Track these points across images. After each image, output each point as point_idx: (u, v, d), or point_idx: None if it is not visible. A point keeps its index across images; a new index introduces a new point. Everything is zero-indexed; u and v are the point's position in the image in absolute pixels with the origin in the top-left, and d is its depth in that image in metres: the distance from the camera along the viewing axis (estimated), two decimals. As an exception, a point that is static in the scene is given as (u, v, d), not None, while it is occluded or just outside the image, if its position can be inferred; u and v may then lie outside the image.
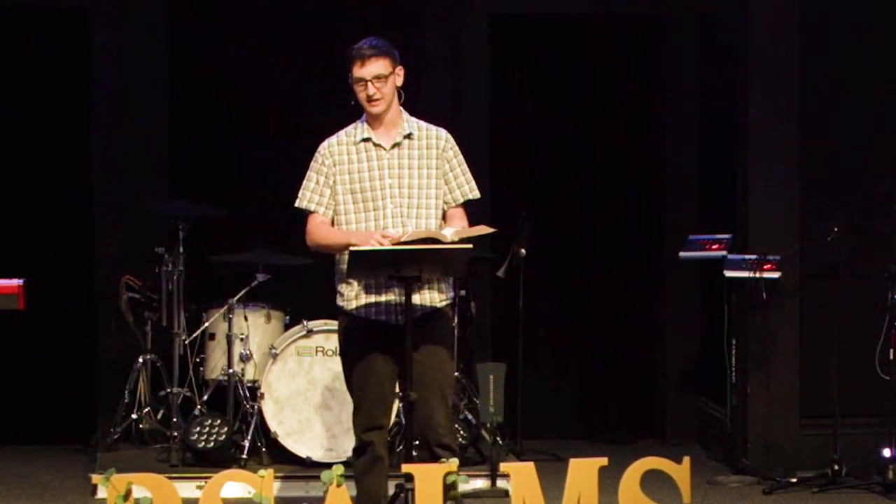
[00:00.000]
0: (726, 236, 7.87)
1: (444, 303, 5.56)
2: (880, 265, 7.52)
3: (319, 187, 5.57)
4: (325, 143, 5.62)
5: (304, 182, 5.61)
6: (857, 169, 7.90)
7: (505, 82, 8.77)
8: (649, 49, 8.92)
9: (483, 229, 5.49)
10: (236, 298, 7.55)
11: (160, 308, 7.78)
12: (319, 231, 5.56)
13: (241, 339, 7.58)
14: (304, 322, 7.47)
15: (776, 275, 7.62)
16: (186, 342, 7.76)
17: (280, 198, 8.52)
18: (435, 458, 5.33)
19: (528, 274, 7.75)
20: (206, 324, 7.75)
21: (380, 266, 5.39)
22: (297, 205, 5.61)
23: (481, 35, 8.69)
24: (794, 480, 7.44)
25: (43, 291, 6.52)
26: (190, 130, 8.58)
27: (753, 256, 7.64)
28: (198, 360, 7.80)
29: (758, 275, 7.58)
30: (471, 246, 5.33)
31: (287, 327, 7.74)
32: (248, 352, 7.59)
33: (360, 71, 5.46)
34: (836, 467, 7.41)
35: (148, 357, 7.92)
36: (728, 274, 7.71)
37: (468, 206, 5.63)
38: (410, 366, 5.35)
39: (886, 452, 7.38)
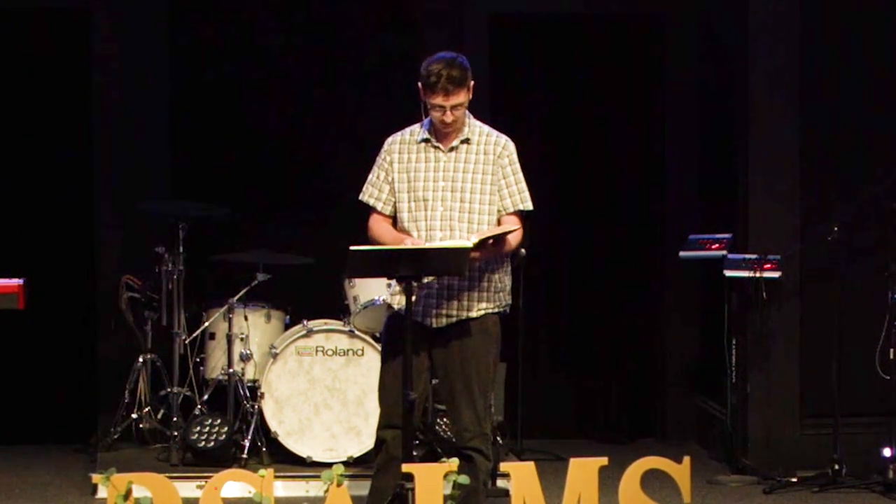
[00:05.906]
0: (726, 236, 7.87)
1: (480, 313, 5.56)
2: (880, 265, 7.52)
3: (379, 182, 5.61)
4: (389, 139, 5.64)
5: (369, 176, 5.64)
6: (857, 169, 7.90)
7: (504, 82, 8.75)
8: (649, 49, 8.91)
9: (500, 229, 5.50)
10: (236, 298, 7.54)
11: (160, 308, 7.77)
12: (375, 229, 5.61)
13: (241, 339, 7.57)
14: (304, 322, 7.47)
15: (776, 275, 7.62)
16: (186, 342, 7.76)
17: (280, 198, 8.59)
18: (467, 460, 5.41)
19: (527, 274, 7.73)
20: (206, 324, 7.75)
21: (378, 266, 5.38)
22: (359, 198, 5.65)
23: (481, 35, 8.68)
24: (794, 480, 7.44)
25: (43, 291, 6.51)
26: (190, 130, 8.57)
27: (753, 256, 7.64)
28: (198, 359, 7.80)
29: (758, 275, 7.58)
30: (469, 247, 5.32)
31: (287, 327, 7.74)
32: (248, 351, 7.59)
33: (440, 101, 5.40)
34: (836, 467, 7.41)
35: (148, 357, 7.91)
36: (728, 274, 7.71)
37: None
38: (409, 366, 5.34)
39: (886, 452, 7.37)
